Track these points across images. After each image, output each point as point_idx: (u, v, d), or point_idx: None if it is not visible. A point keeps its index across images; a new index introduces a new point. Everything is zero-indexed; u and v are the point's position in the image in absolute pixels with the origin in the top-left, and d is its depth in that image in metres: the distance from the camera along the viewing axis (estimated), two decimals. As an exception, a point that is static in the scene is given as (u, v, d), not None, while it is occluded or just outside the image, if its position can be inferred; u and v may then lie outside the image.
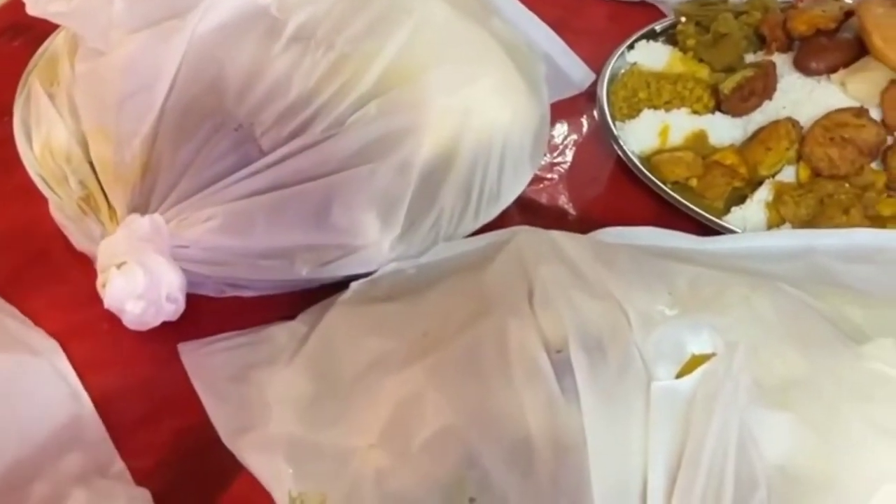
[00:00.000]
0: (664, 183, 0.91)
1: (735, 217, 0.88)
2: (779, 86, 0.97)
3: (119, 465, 0.67)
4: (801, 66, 0.98)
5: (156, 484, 0.65)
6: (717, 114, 0.98)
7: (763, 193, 0.89)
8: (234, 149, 0.73)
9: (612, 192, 0.96)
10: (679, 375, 0.61)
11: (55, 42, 0.86)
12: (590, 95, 1.04)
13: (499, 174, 0.81)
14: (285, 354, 0.72)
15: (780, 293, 0.70)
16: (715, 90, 0.98)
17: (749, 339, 0.63)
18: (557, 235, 0.75)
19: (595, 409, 0.59)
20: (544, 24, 1.01)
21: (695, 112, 0.98)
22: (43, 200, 0.79)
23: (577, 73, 1.05)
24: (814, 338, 0.66)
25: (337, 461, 0.62)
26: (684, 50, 1.06)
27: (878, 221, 0.86)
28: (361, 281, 0.76)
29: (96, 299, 0.70)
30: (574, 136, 1.02)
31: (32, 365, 0.71)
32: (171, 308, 0.71)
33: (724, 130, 0.96)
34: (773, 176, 0.91)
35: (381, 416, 0.63)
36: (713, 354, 0.62)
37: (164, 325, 0.72)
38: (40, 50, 0.87)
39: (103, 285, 0.69)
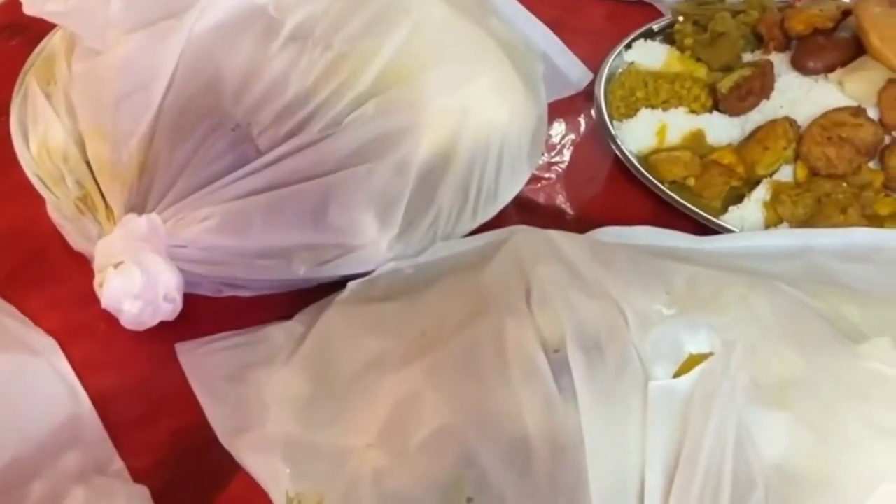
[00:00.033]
0: (662, 182, 0.91)
1: (733, 216, 0.88)
2: (776, 85, 0.97)
3: (118, 463, 0.67)
4: (799, 66, 0.98)
5: (153, 483, 0.65)
6: (715, 113, 0.98)
7: (761, 193, 0.89)
8: (231, 148, 0.73)
9: (610, 192, 0.96)
10: (676, 375, 0.61)
11: (52, 41, 0.86)
12: (587, 95, 1.04)
13: (496, 173, 0.81)
14: (282, 354, 0.72)
15: (778, 292, 0.70)
16: (712, 89, 0.98)
17: (747, 338, 0.63)
18: (555, 235, 0.75)
19: (592, 409, 0.59)
20: (542, 23, 1.01)
21: (692, 111, 0.98)
22: (40, 200, 0.79)
23: (575, 72, 1.05)
24: (811, 337, 0.66)
25: (334, 461, 0.63)
26: (682, 49, 1.06)
27: (875, 221, 0.86)
28: (359, 280, 0.76)
29: (93, 299, 0.70)
30: (572, 136, 1.02)
31: (32, 365, 0.71)
32: (169, 308, 0.71)
33: (722, 130, 0.96)
34: (771, 175, 0.91)
35: (378, 416, 0.63)
36: (711, 354, 0.62)
37: (162, 324, 0.72)
38: (37, 49, 0.87)
39: (100, 285, 0.69)
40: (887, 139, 0.90)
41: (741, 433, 0.58)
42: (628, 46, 1.08)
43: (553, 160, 0.98)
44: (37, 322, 0.76)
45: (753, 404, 0.60)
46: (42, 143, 0.78)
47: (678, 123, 0.96)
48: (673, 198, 0.89)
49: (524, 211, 0.88)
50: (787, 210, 0.87)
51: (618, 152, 0.95)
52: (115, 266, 0.68)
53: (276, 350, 0.73)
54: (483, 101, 0.80)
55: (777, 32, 1.02)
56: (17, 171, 0.79)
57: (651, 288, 0.68)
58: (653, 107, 0.99)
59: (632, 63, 1.06)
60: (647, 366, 0.61)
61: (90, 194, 0.75)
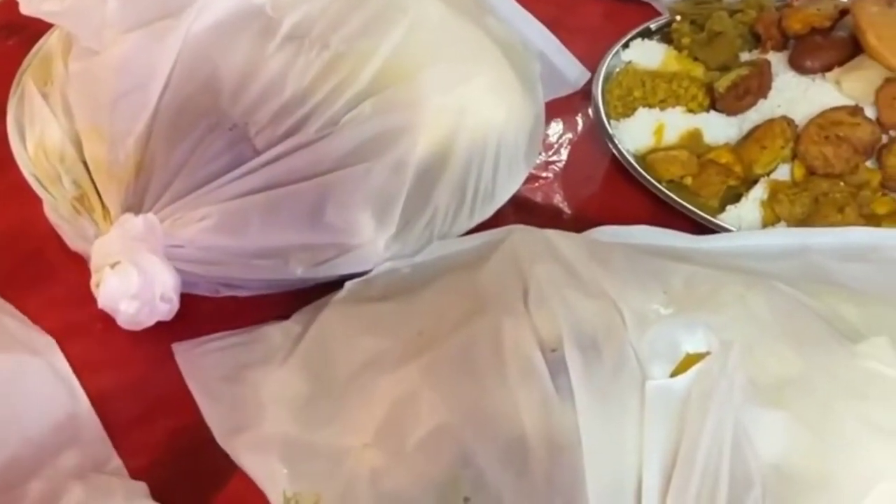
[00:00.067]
0: (659, 181, 0.91)
1: (730, 216, 0.88)
2: (774, 84, 0.97)
3: (116, 461, 0.67)
4: (796, 65, 0.98)
5: (150, 483, 0.65)
6: (712, 112, 0.98)
7: (758, 192, 0.89)
8: (228, 148, 0.73)
9: (607, 191, 0.96)
10: (674, 374, 0.61)
11: (49, 41, 0.86)
12: (585, 94, 1.04)
13: (493, 173, 0.81)
14: (280, 354, 0.72)
15: (775, 292, 0.70)
16: (710, 89, 0.98)
17: (744, 337, 0.63)
18: (552, 234, 0.75)
19: (590, 408, 0.59)
20: (539, 22, 1.01)
21: (690, 111, 0.98)
22: (37, 200, 0.79)
23: (572, 71, 1.05)
24: (809, 336, 0.66)
25: (331, 461, 0.62)
26: (679, 48, 1.06)
27: (872, 220, 0.86)
28: (356, 280, 0.76)
29: (90, 299, 0.70)
30: (569, 135, 1.02)
31: (31, 364, 0.71)
32: (166, 308, 0.71)
33: (719, 129, 0.96)
34: (768, 174, 0.91)
35: (375, 416, 0.63)
36: (708, 353, 0.62)
37: (159, 324, 0.72)
38: (34, 49, 0.87)
39: (97, 285, 0.69)
40: (885, 138, 0.90)
41: (738, 432, 0.58)
42: (626, 46, 1.08)
43: (550, 159, 0.98)
44: (33, 322, 0.76)
45: (751, 403, 0.60)
46: (39, 142, 0.78)
47: (675, 123, 0.96)
48: (670, 197, 0.89)
49: (521, 210, 0.88)
50: (784, 209, 0.87)
51: (615, 151, 0.95)
52: (112, 266, 0.68)
53: (274, 350, 0.73)
54: (480, 101, 0.80)
55: (774, 32, 1.02)
56: (13, 171, 0.79)
57: (648, 287, 0.68)
58: (650, 106, 0.99)
59: (629, 62, 1.06)
60: (645, 365, 0.61)
61: (87, 194, 0.75)
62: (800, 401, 0.61)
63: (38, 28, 0.84)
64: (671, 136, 0.96)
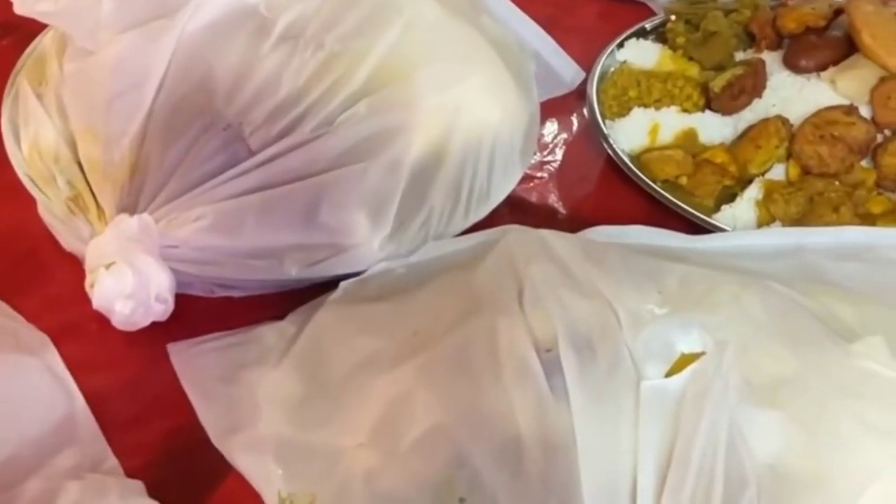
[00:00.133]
0: (654, 181, 0.91)
1: (725, 215, 0.88)
2: (769, 84, 0.97)
3: (112, 461, 0.67)
4: (791, 64, 0.98)
5: (146, 484, 0.64)
6: (707, 112, 0.98)
7: (753, 191, 0.89)
8: (223, 148, 0.73)
9: (602, 191, 0.96)
10: (669, 374, 0.61)
11: (43, 41, 0.86)
12: (580, 94, 1.04)
13: (488, 173, 0.81)
14: (274, 355, 0.72)
15: (770, 291, 0.70)
16: (705, 88, 0.98)
17: (739, 337, 0.63)
18: (547, 234, 0.75)
19: (585, 408, 0.59)
20: (534, 22, 1.01)
21: (685, 110, 0.98)
22: (31, 201, 0.79)
23: (567, 71, 1.05)
24: (803, 336, 0.67)
25: (326, 461, 0.62)
26: (674, 48, 1.06)
27: (867, 219, 0.86)
28: (351, 280, 0.76)
29: (85, 300, 0.69)
30: (564, 135, 1.02)
31: (27, 364, 0.71)
32: (161, 308, 0.71)
33: (714, 128, 0.96)
34: (763, 174, 0.91)
35: (370, 416, 0.63)
36: (703, 353, 0.62)
37: (154, 325, 0.72)
38: (28, 49, 0.87)
39: (92, 286, 0.69)
40: (879, 137, 0.90)
41: (733, 432, 0.58)
42: (620, 45, 1.08)
43: (545, 159, 0.98)
44: (28, 322, 0.75)
45: (745, 403, 0.60)
46: (33, 143, 0.78)
47: (670, 122, 0.96)
48: (665, 197, 0.89)
49: (516, 210, 0.88)
50: (779, 209, 0.87)
51: (610, 151, 0.95)
52: (107, 266, 0.68)
53: (268, 350, 0.72)
54: (475, 101, 0.80)
55: (769, 31, 1.02)
56: (8, 171, 0.78)
57: (643, 287, 0.68)
58: (645, 106, 0.99)
59: (624, 62, 1.07)
60: (640, 365, 0.61)
61: (81, 195, 0.74)
62: (795, 400, 0.61)
63: (32, 28, 0.84)
64: (666, 136, 0.96)
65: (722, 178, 0.91)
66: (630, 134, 0.97)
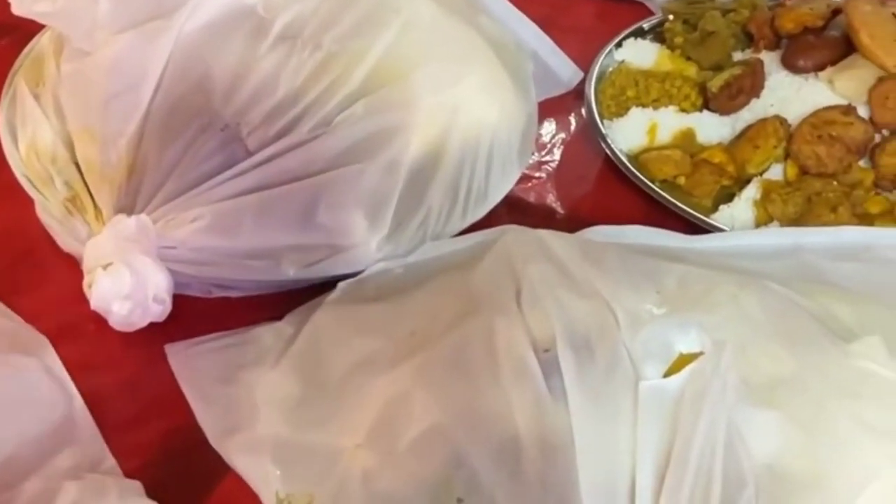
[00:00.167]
0: (652, 181, 0.91)
1: (723, 215, 0.88)
2: (766, 84, 0.97)
3: (110, 461, 0.67)
4: (789, 64, 0.98)
5: (143, 484, 0.64)
6: (705, 112, 0.98)
7: (751, 191, 0.89)
8: (220, 149, 0.73)
9: (600, 191, 0.96)
10: (667, 374, 0.61)
11: (41, 42, 0.86)
12: (578, 93, 1.04)
13: (486, 173, 0.81)
14: (272, 355, 0.72)
15: (768, 291, 0.70)
16: (703, 88, 0.98)
17: (737, 337, 0.63)
18: (545, 234, 0.75)
19: (583, 409, 0.59)
20: (532, 21, 1.01)
21: (683, 110, 0.98)
22: (29, 201, 0.79)
23: (565, 71, 1.05)
24: (801, 336, 0.66)
25: (324, 462, 0.62)
26: (672, 48, 1.06)
27: (865, 219, 0.86)
28: (348, 281, 0.76)
29: (83, 300, 0.69)
30: (562, 135, 1.02)
31: (25, 365, 0.71)
32: (158, 309, 0.71)
33: (712, 128, 0.96)
34: (761, 174, 0.91)
35: (368, 417, 0.63)
36: (701, 353, 0.62)
37: (151, 325, 0.72)
38: (26, 50, 0.87)
39: (89, 286, 0.69)
40: (877, 137, 0.90)
41: (731, 432, 0.58)
42: (619, 45, 1.08)
43: (543, 159, 0.98)
44: (25, 323, 0.75)
45: (743, 403, 0.60)
46: (31, 144, 0.78)
47: (668, 122, 0.96)
48: (663, 197, 0.89)
49: (514, 210, 0.88)
50: (777, 209, 0.87)
51: (608, 151, 0.95)
52: (105, 267, 0.68)
53: (266, 351, 0.72)
54: (473, 101, 0.80)
55: (767, 31, 1.02)
56: (5, 172, 0.78)
57: (641, 287, 0.68)
58: (643, 106, 0.99)
59: (622, 62, 1.07)
60: (638, 365, 0.61)
61: (79, 195, 0.74)
62: (793, 400, 0.61)
63: (29, 29, 0.84)
64: (664, 136, 0.96)
65: (720, 177, 0.91)
66: (628, 134, 0.97)
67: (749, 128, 0.93)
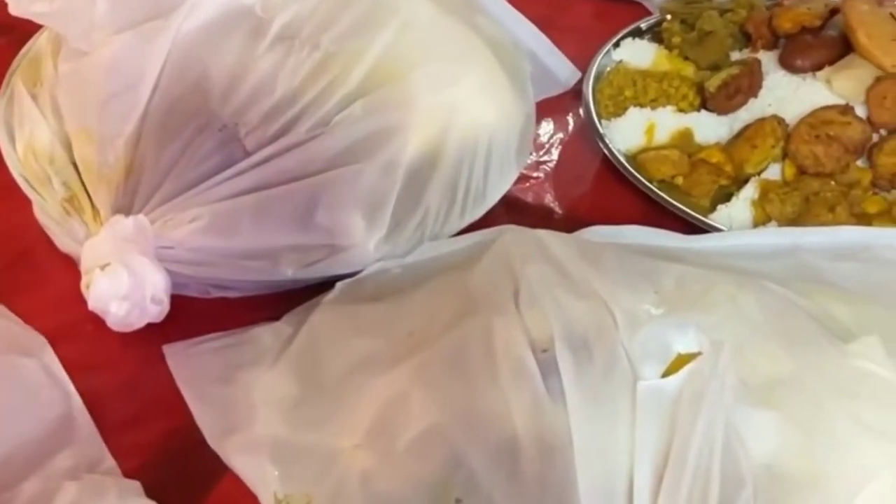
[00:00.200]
0: (650, 181, 0.91)
1: (721, 215, 0.88)
2: (764, 83, 0.97)
3: (109, 461, 0.66)
4: (787, 64, 0.98)
5: (142, 485, 0.64)
6: (703, 112, 0.98)
7: (749, 191, 0.89)
8: (218, 149, 0.73)
9: (599, 191, 0.96)
10: (665, 374, 0.61)
11: (38, 42, 0.86)
12: (575, 93, 1.04)
13: (484, 173, 0.81)
14: (270, 355, 0.72)
15: (766, 291, 0.70)
16: (700, 88, 0.98)
17: (735, 337, 0.63)
18: (543, 234, 0.75)
19: (581, 409, 0.59)
20: (530, 21, 1.01)
21: (680, 110, 0.98)
22: (26, 201, 0.79)
23: (563, 71, 1.05)
24: (799, 336, 0.66)
25: (322, 462, 0.62)
26: (670, 48, 1.06)
27: (863, 219, 0.86)
28: (347, 281, 0.76)
29: (81, 301, 0.69)
30: (560, 135, 1.02)
31: (24, 365, 0.71)
32: (156, 309, 0.71)
33: (710, 128, 0.96)
34: (759, 174, 0.91)
35: (366, 417, 0.63)
36: (699, 353, 0.62)
37: (149, 326, 0.72)
38: (23, 50, 0.87)
39: (87, 287, 0.69)
40: (875, 137, 0.90)
41: (730, 432, 0.58)
42: (616, 45, 1.08)
43: (541, 159, 0.98)
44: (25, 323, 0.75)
45: (742, 403, 0.60)
46: (28, 144, 0.78)
47: (666, 122, 0.96)
48: (661, 197, 0.89)
49: (512, 210, 0.88)
50: (775, 209, 0.87)
51: (606, 151, 0.95)
52: (102, 267, 0.68)
53: (264, 351, 0.72)
54: (471, 101, 0.80)
55: (765, 31, 1.02)
56: (3, 172, 0.79)
57: (639, 287, 0.68)
58: (641, 105, 0.99)
59: (620, 62, 1.07)
60: (636, 366, 0.61)
61: (77, 195, 0.74)
62: (791, 400, 0.61)
63: (27, 29, 0.84)
64: (662, 136, 0.96)
65: (718, 177, 0.91)
66: (626, 134, 0.97)
67: (747, 127, 0.93)
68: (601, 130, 0.96)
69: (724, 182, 0.91)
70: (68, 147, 0.76)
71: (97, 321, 0.71)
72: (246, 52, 0.75)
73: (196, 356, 0.73)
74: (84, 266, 0.70)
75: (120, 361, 0.74)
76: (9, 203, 0.81)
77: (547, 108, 1.01)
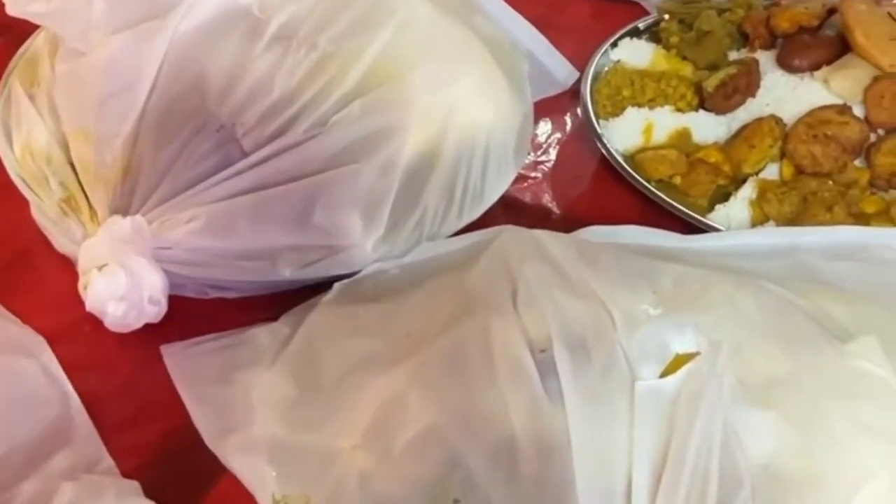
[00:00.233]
0: (648, 181, 0.91)
1: (719, 215, 0.88)
2: (762, 83, 0.97)
3: (108, 461, 0.66)
4: (785, 64, 0.98)
5: (141, 485, 0.64)
6: (701, 111, 0.98)
7: (747, 191, 0.89)
8: (215, 149, 0.73)
9: (596, 191, 0.96)
10: (663, 375, 0.61)
11: (35, 42, 0.86)
12: (573, 93, 1.04)
13: (482, 173, 0.81)
14: (268, 356, 0.72)
15: (764, 291, 0.70)
16: (698, 88, 0.98)
17: (733, 337, 0.63)
18: (541, 234, 0.75)
19: (579, 409, 0.59)
20: (527, 21, 1.01)
21: (678, 110, 0.98)
22: (24, 202, 0.79)
23: (561, 70, 1.05)
24: (797, 336, 0.67)
25: (320, 463, 0.62)
26: (668, 47, 1.06)
27: (861, 219, 0.86)
28: (344, 282, 0.76)
29: (78, 301, 0.69)
30: (558, 135, 1.02)
31: (23, 365, 0.71)
32: (154, 310, 0.71)
33: (708, 128, 0.96)
34: (757, 173, 0.91)
35: (364, 417, 0.63)
36: (697, 353, 0.62)
37: (147, 326, 0.72)
38: (20, 50, 0.86)
39: (85, 287, 0.69)
40: (873, 137, 0.90)
41: (728, 432, 0.58)
42: (614, 45, 1.08)
43: (539, 159, 0.98)
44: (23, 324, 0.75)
45: (740, 403, 0.60)
46: (25, 144, 0.78)
47: (664, 122, 0.96)
48: (659, 196, 0.89)
49: (510, 210, 0.88)
50: (773, 208, 0.87)
51: (604, 151, 0.95)
52: (100, 268, 0.68)
53: (262, 352, 0.72)
54: (468, 101, 0.80)
55: (762, 30, 1.02)
56: (0, 173, 0.78)
57: (637, 287, 0.68)
58: (639, 105, 0.99)
59: (618, 61, 1.07)
60: (634, 366, 0.61)
61: (74, 196, 0.74)
62: (788, 400, 0.61)
63: (24, 29, 0.84)
64: (660, 136, 0.96)
65: (716, 177, 0.91)
66: (624, 133, 0.97)
67: (745, 127, 0.93)
68: (599, 130, 0.96)
69: (722, 182, 0.91)
70: (65, 147, 0.76)
71: (95, 322, 0.70)
72: (243, 52, 0.75)
73: (194, 357, 0.73)
74: (81, 267, 0.70)
75: (118, 362, 0.74)
76: (6, 203, 0.80)
77: (545, 108, 1.01)
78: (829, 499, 0.57)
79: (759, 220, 0.88)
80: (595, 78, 1.03)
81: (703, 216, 0.88)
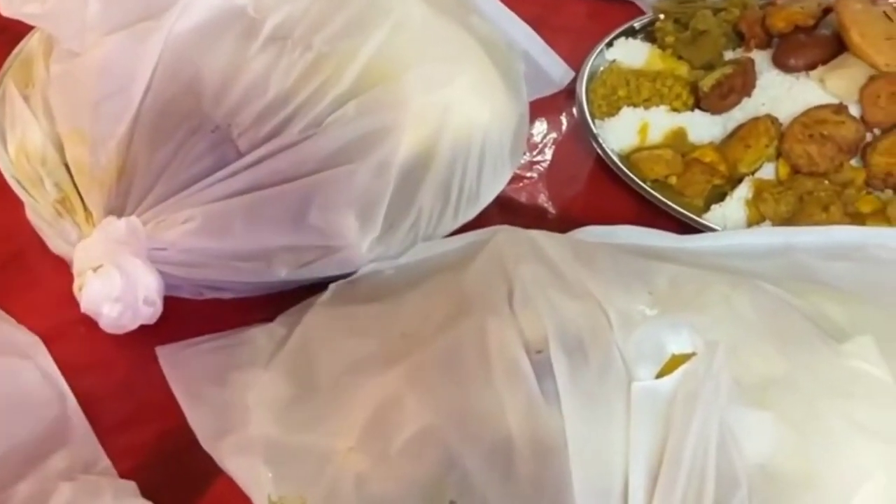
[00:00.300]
0: (644, 181, 0.91)
1: (715, 215, 0.88)
2: (758, 83, 0.97)
3: (105, 462, 0.66)
4: (780, 63, 0.98)
5: (137, 485, 0.64)
6: (697, 111, 0.98)
7: (743, 191, 0.89)
8: (211, 150, 0.73)
9: (592, 191, 0.96)
10: (659, 375, 0.61)
11: (30, 43, 0.85)
12: (569, 93, 1.04)
13: (478, 173, 0.81)
14: (264, 357, 0.71)
15: (760, 291, 0.70)
16: (694, 87, 0.98)
17: (729, 337, 0.63)
18: (537, 235, 0.75)
19: (576, 410, 0.59)
20: (523, 21, 1.01)
21: (674, 109, 0.98)
22: (18, 203, 0.78)
23: (557, 70, 1.05)
24: (793, 336, 0.67)
25: (316, 464, 0.62)
26: (663, 47, 1.06)
27: (857, 218, 0.86)
28: (340, 282, 0.76)
29: (73, 303, 0.69)
30: (553, 135, 1.02)
31: (19, 366, 0.71)
32: (149, 311, 0.70)
33: (704, 128, 0.96)
34: (753, 173, 0.91)
35: (360, 419, 0.63)
36: (693, 354, 0.62)
37: (143, 327, 0.71)
38: (15, 51, 0.86)
39: (80, 288, 0.68)
40: (869, 136, 0.90)
41: (724, 433, 0.58)
42: (610, 45, 1.08)
43: (535, 159, 0.98)
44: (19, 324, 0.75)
45: (736, 404, 0.60)
46: (20, 145, 0.77)
47: (660, 122, 0.96)
48: (655, 196, 0.89)
49: (506, 211, 0.88)
50: (769, 208, 0.87)
51: (599, 151, 0.95)
52: (95, 269, 0.68)
53: (258, 352, 0.72)
54: (464, 101, 0.80)
55: (758, 30, 1.02)
56: (-5, 173, 0.78)
57: (633, 288, 0.68)
58: (634, 105, 0.99)
59: (613, 61, 1.07)
60: (630, 366, 0.61)
61: (69, 197, 0.74)
62: (785, 400, 0.61)
63: (19, 30, 0.83)
64: (655, 136, 0.96)
65: (711, 177, 0.91)
66: (619, 133, 0.97)
67: (740, 127, 0.93)
68: (594, 130, 0.96)
69: (717, 181, 0.91)
70: (60, 148, 0.75)
71: (90, 323, 0.70)
72: (238, 52, 0.75)
73: (189, 357, 0.73)
74: (76, 268, 0.69)
75: (113, 363, 0.74)
76: (1, 204, 0.80)
77: (540, 108, 1.01)
78: (826, 499, 0.57)
79: (755, 220, 0.88)
80: (591, 78, 1.03)
81: (699, 216, 0.88)
